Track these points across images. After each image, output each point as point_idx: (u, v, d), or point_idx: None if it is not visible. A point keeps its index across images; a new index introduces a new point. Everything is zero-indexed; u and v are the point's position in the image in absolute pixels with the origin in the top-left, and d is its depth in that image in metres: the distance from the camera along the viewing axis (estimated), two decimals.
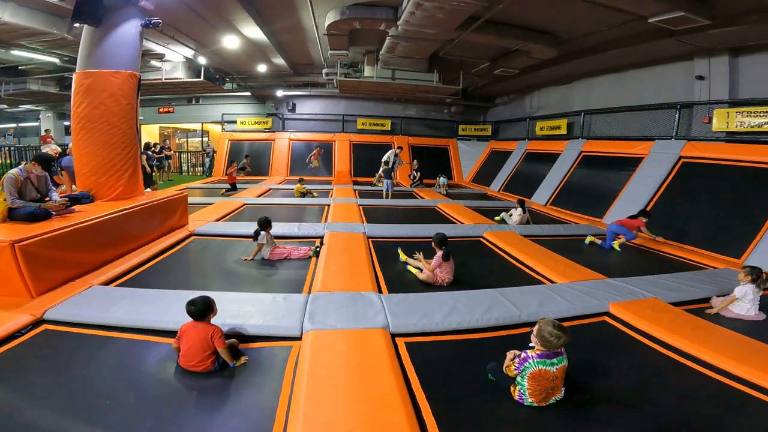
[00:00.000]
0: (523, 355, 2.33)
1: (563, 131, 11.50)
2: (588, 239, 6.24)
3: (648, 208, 6.76)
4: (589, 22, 7.41)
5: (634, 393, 2.49)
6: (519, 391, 2.33)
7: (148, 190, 9.38)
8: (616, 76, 10.00)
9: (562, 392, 2.36)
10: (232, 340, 2.81)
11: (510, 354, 2.46)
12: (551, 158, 10.92)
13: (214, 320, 2.73)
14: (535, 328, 2.35)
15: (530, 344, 2.39)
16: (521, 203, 7.52)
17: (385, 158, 11.63)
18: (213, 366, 2.58)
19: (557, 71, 10.54)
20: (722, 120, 7.03)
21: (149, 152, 11.55)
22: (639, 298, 3.82)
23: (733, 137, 6.97)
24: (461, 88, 11.97)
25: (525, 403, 2.31)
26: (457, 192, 12.02)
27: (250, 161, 12.64)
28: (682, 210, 6.62)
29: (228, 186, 10.57)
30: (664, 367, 2.80)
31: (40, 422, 2.03)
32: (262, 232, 4.91)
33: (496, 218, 7.58)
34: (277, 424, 2.11)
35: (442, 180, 11.91)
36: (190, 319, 2.64)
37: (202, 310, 2.62)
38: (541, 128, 12.44)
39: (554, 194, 9.86)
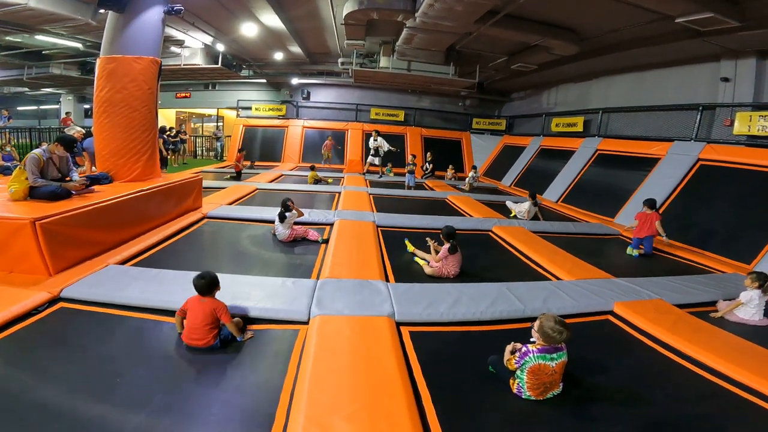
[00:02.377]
0: (523, 349, 2.37)
1: (579, 128, 11.33)
2: (633, 252, 5.69)
3: (661, 210, 6.65)
4: (612, 19, 7.25)
5: (631, 392, 2.53)
6: (518, 384, 2.39)
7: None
8: (637, 74, 9.79)
9: (560, 387, 2.41)
10: (237, 319, 2.89)
11: (509, 347, 2.51)
12: (565, 155, 10.79)
13: (224, 301, 2.81)
14: (537, 324, 2.39)
15: (531, 339, 2.43)
16: (532, 196, 7.50)
17: (374, 145, 12.08)
18: (215, 341, 2.67)
19: (577, 68, 10.36)
20: (744, 123, 6.86)
21: (164, 136, 11.75)
22: (644, 298, 3.82)
23: (754, 141, 6.80)
24: (477, 81, 11.87)
25: (523, 397, 2.37)
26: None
27: (243, 156, 12.08)
28: (696, 213, 6.52)
29: (234, 173, 10.67)
30: (662, 368, 2.83)
31: (53, 398, 2.12)
32: (288, 214, 5.17)
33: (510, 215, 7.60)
34: (282, 404, 2.20)
35: (471, 173, 11.49)
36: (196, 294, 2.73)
37: (210, 283, 2.73)
38: (557, 125, 12.27)
39: (566, 191, 9.78)
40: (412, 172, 10.70)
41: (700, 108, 7.71)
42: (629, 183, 8.17)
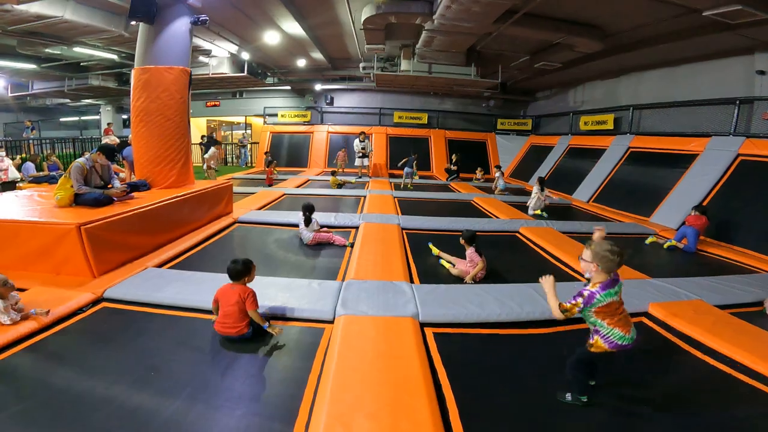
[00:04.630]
0: (585, 293, 2.13)
1: (609, 126, 11.01)
2: (667, 243, 5.76)
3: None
4: (637, 15, 7.02)
5: (666, 395, 2.43)
6: (604, 335, 2.16)
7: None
8: (667, 70, 9.42)
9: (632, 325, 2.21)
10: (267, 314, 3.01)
11: (557, 302, 2.21)
12: (596, 154, 10.48)
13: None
14: (589, 253, 2.17)
15: (586, 276, 2.24)
16: (540, 181, 7.37)
17: (360, 147, 12.29)
18: (247, 330, 2.76)
19: (603, 65, 10.05)
20: None
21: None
22: (682, 299, 3.66)
23: None
24: (500, 81, 11.73)
25: (619, 342, 2.14)
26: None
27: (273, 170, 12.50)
28: (739, 210, 6.20)
29: (266, 186, 10.89)
30: (701, 371, 2.71)
31: (97, 389, 2.26)
32: (313, 217, 5.34)
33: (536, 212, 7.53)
34: (305, 400, 2.25)
35: (501, 183, 10.76)
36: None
37: (241, 269, 2.83)
38: (585, 123, 11.96)
39: (598, 191, 9.49)
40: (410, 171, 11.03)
41: (737, 102, 7.35)
42: (665, 181, 7.85)
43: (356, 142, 12.48)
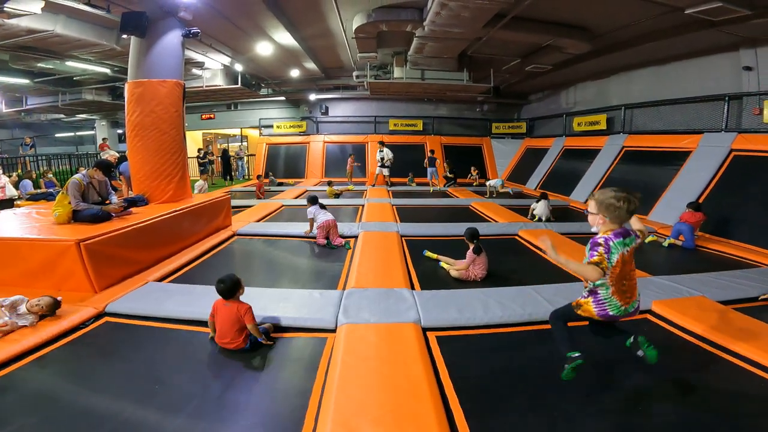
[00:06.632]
0: (601, 240, 1.94)
1: (603, 126, 11.09)
2: (666, 241, 5.77)
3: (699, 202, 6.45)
4: (622, 14, 7.16)
5: (677, 391, 2.43)
6: (600, 298, 2.00)
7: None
8: (657, 68, 9.56)
9: (638, 297, 2.05)
10: (268, 325, 3.00)
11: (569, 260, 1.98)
12: (591, 154, 10.57)
13: (256, 313, 2.88)
14: (593, 204, 2.01)
15: (593, 230, 2.08)
16: (544, 197, 7.45)
17: (380, 157, 12.43)
18: (245, 343, 2.75)
19: (593, 65, 10.20)
20: None
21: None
22: (684, 296, 3.67)
23: None
24: (492, 86, 11.85)
25: (610, 312, 2.01)
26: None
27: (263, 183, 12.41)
28: (736, 205, 6.24)
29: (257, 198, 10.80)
30: (708, 366, 2.70)
31: (99, 404, 2.25)
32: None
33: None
34: (311, 408, 2.24)
35: (494, 182, 10.83)
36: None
37: (230, 287, 2.78)
38: (578, 124, 12.06)
39: (595, 191, 9.50)
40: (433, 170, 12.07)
41: (727, 98, 7.45)
42: (661, 178, 7.91)
43: (377, 153, 12.59)
